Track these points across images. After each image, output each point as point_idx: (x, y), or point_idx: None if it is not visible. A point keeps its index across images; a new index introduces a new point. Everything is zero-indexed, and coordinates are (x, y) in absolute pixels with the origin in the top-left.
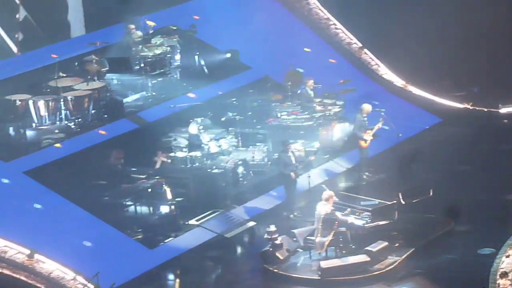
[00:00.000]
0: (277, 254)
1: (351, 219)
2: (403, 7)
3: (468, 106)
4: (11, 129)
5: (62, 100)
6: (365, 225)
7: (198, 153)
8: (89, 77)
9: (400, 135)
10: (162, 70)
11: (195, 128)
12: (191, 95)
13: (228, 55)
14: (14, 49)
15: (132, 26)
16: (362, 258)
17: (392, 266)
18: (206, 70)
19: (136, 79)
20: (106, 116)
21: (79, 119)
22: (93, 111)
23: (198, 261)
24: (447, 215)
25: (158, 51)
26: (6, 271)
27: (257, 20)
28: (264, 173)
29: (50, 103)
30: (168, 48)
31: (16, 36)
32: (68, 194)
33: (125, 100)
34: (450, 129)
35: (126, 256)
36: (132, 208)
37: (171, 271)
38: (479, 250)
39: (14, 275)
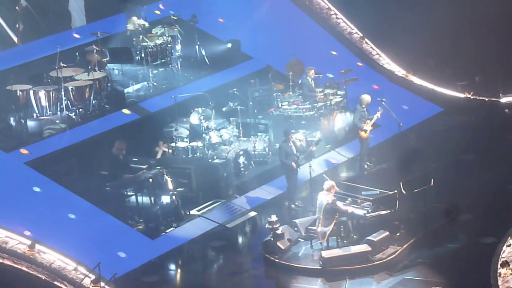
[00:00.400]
0: (279, 244)
1: (352, 208)
2: None
3: (469, 96)
4: (12, 119)
5: (63, 90)
6: (367, 215)
7: (199, 143)
8: (90, 67)
9: (402, 124)
10: (163, 60)
11: (196, 118)
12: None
13: (229, 45)
14: (15, 39)
15: (135, 18)
16: (363, 247)
17: (394, 255)
18: (207, 60)
19: (137, 69)
20: (107, 106)
21: (80, 109)
22: (94, 102)
23: (200, 251)
24: (448, 204)
25: (159, 41)
26: (7, 262)
27: (258, 10)
28: (266, 163)
29: (51, 94)
30: (169, 38)
31: (17, 26)
32: (70, 185)
33: (126, 90)
34: (451, 118)
35: (127, 246)
36: (133, 198)
37: (172, 261)
38: (481, 239)
39: (15, 265)
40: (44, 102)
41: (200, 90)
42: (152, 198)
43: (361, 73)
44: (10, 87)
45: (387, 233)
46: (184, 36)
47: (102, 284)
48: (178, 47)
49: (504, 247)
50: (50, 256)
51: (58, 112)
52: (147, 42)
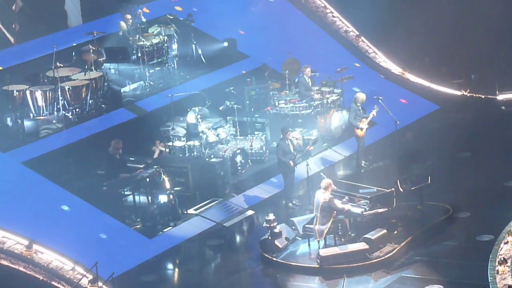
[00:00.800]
0: (276, 243)
1: (349, 207)
2: None
3: (466, 93)
4: (8, 119)
5: (59, 90)
6: (364, 213)
7: (196, 142)
8: (86, 67)
9: (398, 122)
10: (159, 60)
11: (193, 117)
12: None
13: (226, 44)
14: (11, 39)
15: (129, 16)
16: (361, 246)
17: (391, 253)
18: (203, 59)
19: (133, 68)
20: (103, 106)
21: (77, 109)
22: (90, 101)
23: (197, 250)
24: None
25: (155, 41)
26: (4, 262)
27: (254, 9)
28: (263, 161)
29: (48, 93)
30: (165, 38)
31: (13, 26)
32: (67, 184)
33: (122, 89)
34: (447, 116)
35: (125, 246)
36: (130, 197)
37: (170, 261)
38: (478, 236)
39: (13, 265)
40: (40, 102)
41: (196, 89)
42: (149, 197)
43: (357, 71)
44: (6, 87)
45: (385, 231)
46: (180, 35)
47: (100, 284)
48: (175, 46)
49: (502, 245)
50: (48, 256)
51: (55, 112)
52: (143, 41)
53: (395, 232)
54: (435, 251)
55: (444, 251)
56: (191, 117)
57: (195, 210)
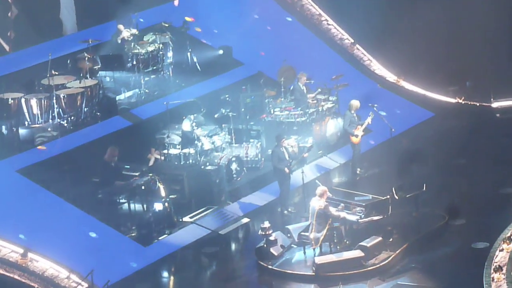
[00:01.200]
0: (272, 250)
1: (344, 214)
2: (395, 2)
3: (461, 101)
4: (3, 127)
5: (54, 98)
6: (359, 220)
7: (191, 150)
8: (81, 74)
9: (393, 130)
10: (154, 67)
11: (188, 125)
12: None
13: (221, 51)
14: (6, 47)
15: (122, 27)
16: (356, 253)
17: (387, 261)
18: (198, 67)
19: (128, 76)
20: (99, 113)
21: (72, 117)
22: (85, 109)
23: (193, 258)
24: (441, 209)
25: (150, 48)
26: None
27: (249, 17)
28: (258, 169)
29: (43, 101)
30: (161, 45)
31: (8, 34)
32: (62, 192)
33: (118, 97)
34: (442, 123)
35: (120, 254)
36: (126, 205)
37: (165, 268)
38: (473, 244)
39: (8, 274)
40: (35, 110)
41: (191, 96)
42: (145, 205)
43: (352, 79)
44: (1, 95)
45: (380, 238)
46: (175, 42)
47: None
48: (170, 54)
49: (497, 252)
50: (43, 264)
51: (50, 120)
52: (138, 49)
53: (391, 239)
54: (430, 258)
55: (439, 258)
56: (186, 125)
57: (191, 217)
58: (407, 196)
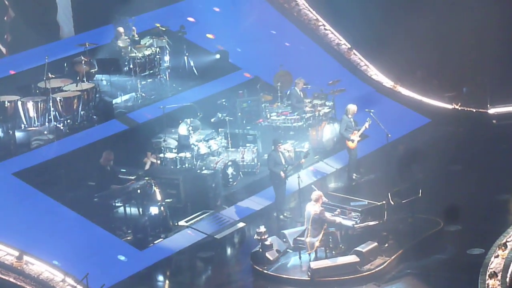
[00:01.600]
0: (267, 255)
1: (340, 219)
2: (392, 8)
3: (457, 107)
4: (0, 130)
5: (51, 101)
6: (355, 226)
7: (187, 154)
8: (78, 78)
9: (390, 135)
10: (151, 71)
11: (185, 129)
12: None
13: (218, 56)
14: (3, 50)
15: (121, 30)
16: (351, 258)
17: (382, 266)
18: (195, 71)
19: (125, 80)
20: (95, 117)
21: (69, 120)
22: (82, 112)
23: (188, 262)
24: (436, 215)
25: (147, 52)
26: None
27: (246, 21)
28: (254, 174)
29: (39, 104)
30: (158, 49)
31: (5, 37)
32: (58, 196)
33: (114, 101)
34: (439, 129)
35: (115, 258)
36: (121, 209)
37: (161, 273)
38: (469, 250)
39: (3, 277)
40: (32, 113)
41: (188, 101)
42: (140, 209)
43: (349, 84)
44: None
45: (376, 244)
46: (172, 47)
47: None
48: (167, 58)
49: (492, 258)
50: (38, 267)
51: (46, 123)
52: (135, 53)
53: (386, 245)
54: (426, 264)
55: (435, 264)
56: (182, 129)
57: (186, 222)
58: (403, 201)
